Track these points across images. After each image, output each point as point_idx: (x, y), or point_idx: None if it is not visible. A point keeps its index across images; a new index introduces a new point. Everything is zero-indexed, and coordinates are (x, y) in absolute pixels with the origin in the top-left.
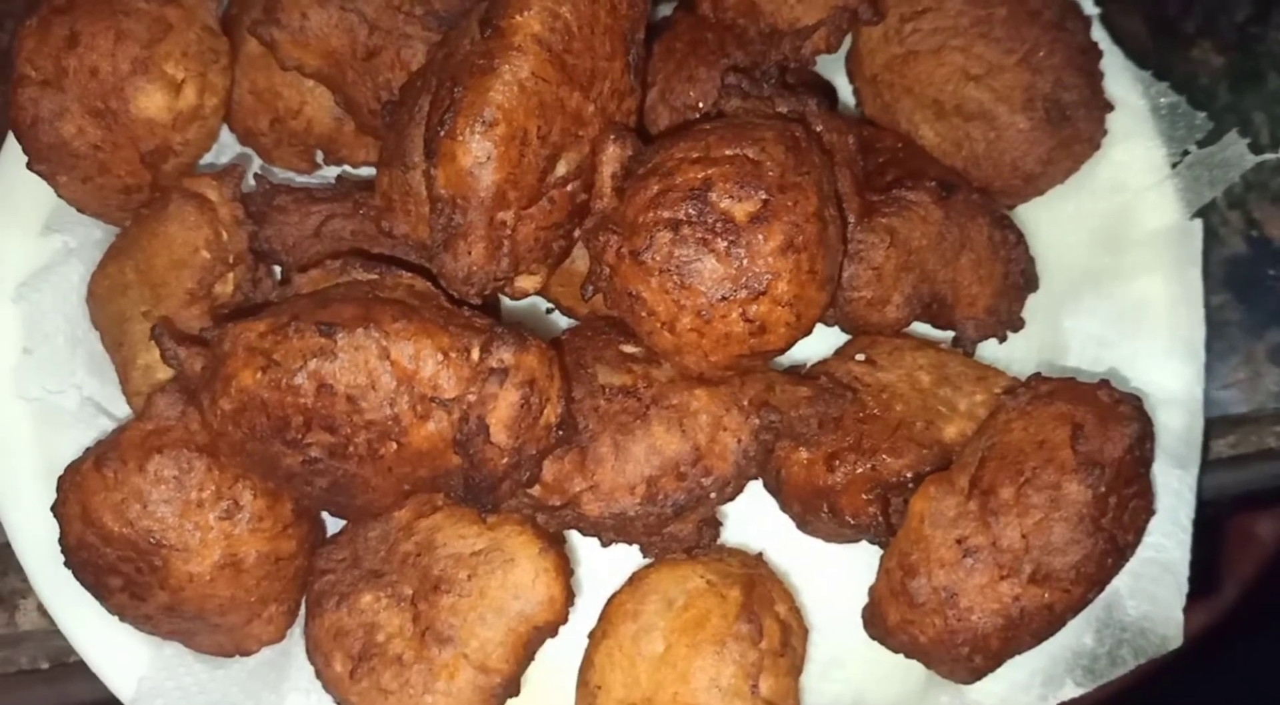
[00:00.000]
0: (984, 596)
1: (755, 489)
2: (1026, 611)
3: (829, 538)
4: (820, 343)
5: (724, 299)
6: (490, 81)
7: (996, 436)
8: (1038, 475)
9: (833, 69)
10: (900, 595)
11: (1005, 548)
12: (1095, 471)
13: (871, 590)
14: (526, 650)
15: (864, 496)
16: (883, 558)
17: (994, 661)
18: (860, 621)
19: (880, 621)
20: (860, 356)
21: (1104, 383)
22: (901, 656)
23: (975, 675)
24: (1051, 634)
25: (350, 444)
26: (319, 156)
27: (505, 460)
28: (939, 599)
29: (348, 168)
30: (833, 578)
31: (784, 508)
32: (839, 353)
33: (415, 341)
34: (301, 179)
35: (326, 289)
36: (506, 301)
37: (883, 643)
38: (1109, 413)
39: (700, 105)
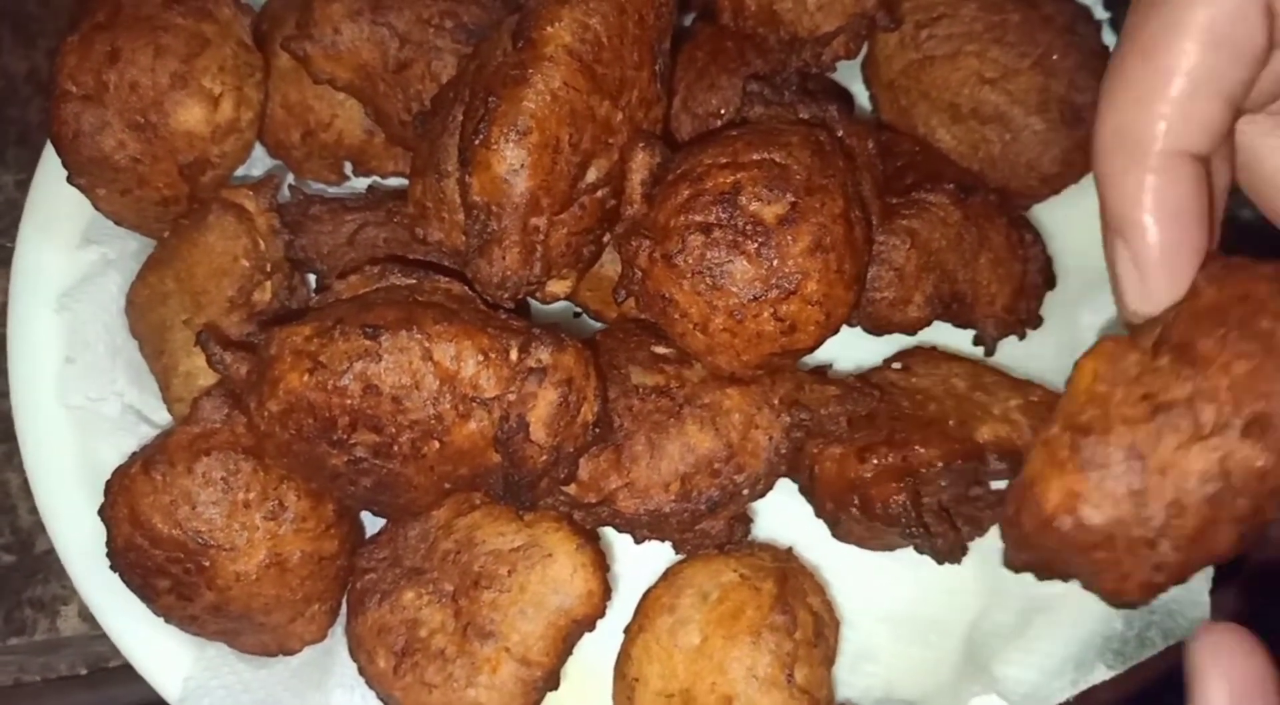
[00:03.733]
0: (1182, 458)
1: (785, 486)
2: (1234, 480)
3: (863, 541)
4: (843, 342)
5: (755, 299)
6: (523, 91)
7: (1183, 304)
8: (1247, 324)
9: (850, 76)
10: (1068, 463)
11: (1209, 401)
12: None
13: (1018, 481)
14: (566, 643)
15: (894, 485)
16: (1038, 439)
17: (1181, 559)
18: (890, 616)
19: (1033, 510)
20: (897, 365)
21: None
22: (933, 651)
23: (1148, 590)
24: (1247, 539)
25: (395, 443)
26: (348, 168)
27: (544, 458)
28: (1123, 461)
29: (377, 179)
30: (862, 573)
31: (818, 511)
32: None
33: (456, 343)
34: (332, 190)
35: (367, 293)
36: (536, 306)
37: (1021, 553)
38: None
39: (722, 112)
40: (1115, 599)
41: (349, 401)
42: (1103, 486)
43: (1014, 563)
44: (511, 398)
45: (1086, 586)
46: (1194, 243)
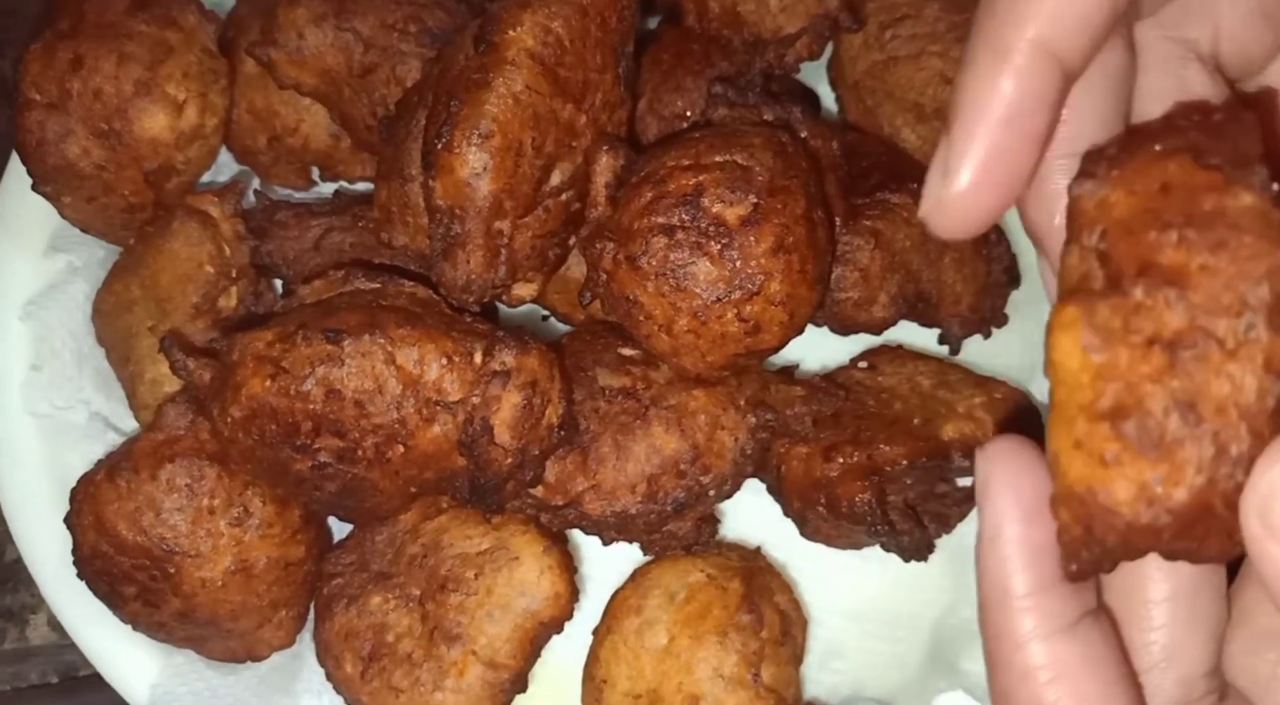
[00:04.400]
0: (1228, 383)
1: (753, 486)
2: None
3: (830, 539)
4: (810, 342)
5: (719, 300)
6: (485, 95)
7: (1100, 223)
8: (1191, 213)
9: (816, 77)
10: (1123, 454)
11: (1216, 311)
12: (1251, 170)
13: (1067, 500)
14: (533, 646)
15: (859, 483)
16: (1056, 445)
17: None
18: (857, 613)
19: (1105, 519)
20: (863, 364)
21: (1179, 108)
22: (900, 647)
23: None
24: None
25: (359, 448)
26: (315, 173)
27: (509, 460)
28: (1179, 421)
29: (344, 183)
30: (830, 570)
31: (786, 510)
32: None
33: (420, 346)
34: (299, 195)
35: (331, 298)
36: (505, 309)
37: (1085, 564)
38: (1212, 122)
39: (688, 114)
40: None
41: (312, 406)
42: (1177, 459)
43: (1080, 574)
44: (475, 401)
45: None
46: (1025, 154)
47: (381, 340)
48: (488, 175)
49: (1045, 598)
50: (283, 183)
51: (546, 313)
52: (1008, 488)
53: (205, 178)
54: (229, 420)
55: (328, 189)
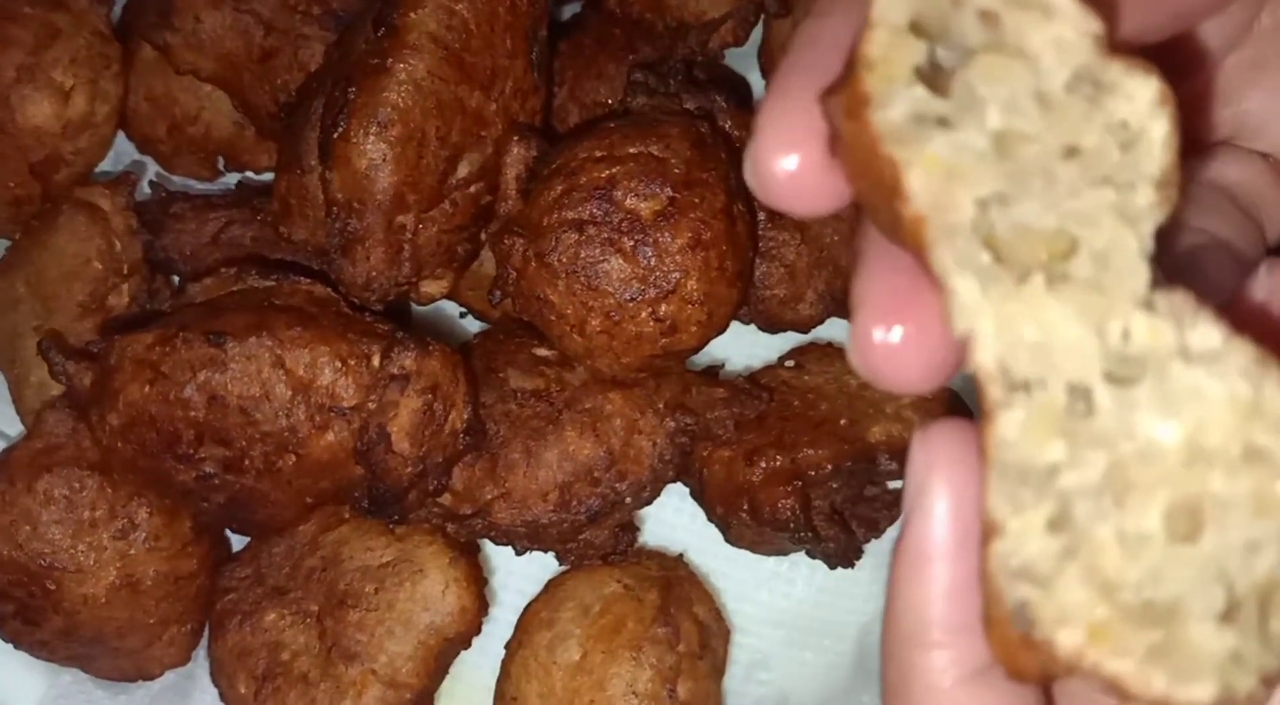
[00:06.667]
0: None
1: (677, 490)
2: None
3: (755, 546)
4: (738, 341)
5: (632, 299)
6: (384, 81)
7: None
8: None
9: (747, 64)
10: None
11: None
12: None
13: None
14: (438, 663)
15: (782, 488)
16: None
17: None
18: (784, 622)
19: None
20: (790, 363)
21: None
22: (827, 656)
23: None
24: None
25: (245, 457)
26: (221, 163)
27: (409, 469)
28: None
29: (250, 174)
30: (758, 577)
31: (710, 515)
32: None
33: (311, 349)
34: (202, 186)
35: (220, 297)
36: (423, 307)
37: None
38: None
39: (610, 103)
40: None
41: (193, 414)
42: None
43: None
44: (372, 406)
45: None
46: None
47: (269, 342)
48: (388, 167)
49: (966, 638)
50: (187, 173)
51: (464, 311)
52: (947, 494)
53: (104, 168)
54: (108, 428)
55: (234, 180)
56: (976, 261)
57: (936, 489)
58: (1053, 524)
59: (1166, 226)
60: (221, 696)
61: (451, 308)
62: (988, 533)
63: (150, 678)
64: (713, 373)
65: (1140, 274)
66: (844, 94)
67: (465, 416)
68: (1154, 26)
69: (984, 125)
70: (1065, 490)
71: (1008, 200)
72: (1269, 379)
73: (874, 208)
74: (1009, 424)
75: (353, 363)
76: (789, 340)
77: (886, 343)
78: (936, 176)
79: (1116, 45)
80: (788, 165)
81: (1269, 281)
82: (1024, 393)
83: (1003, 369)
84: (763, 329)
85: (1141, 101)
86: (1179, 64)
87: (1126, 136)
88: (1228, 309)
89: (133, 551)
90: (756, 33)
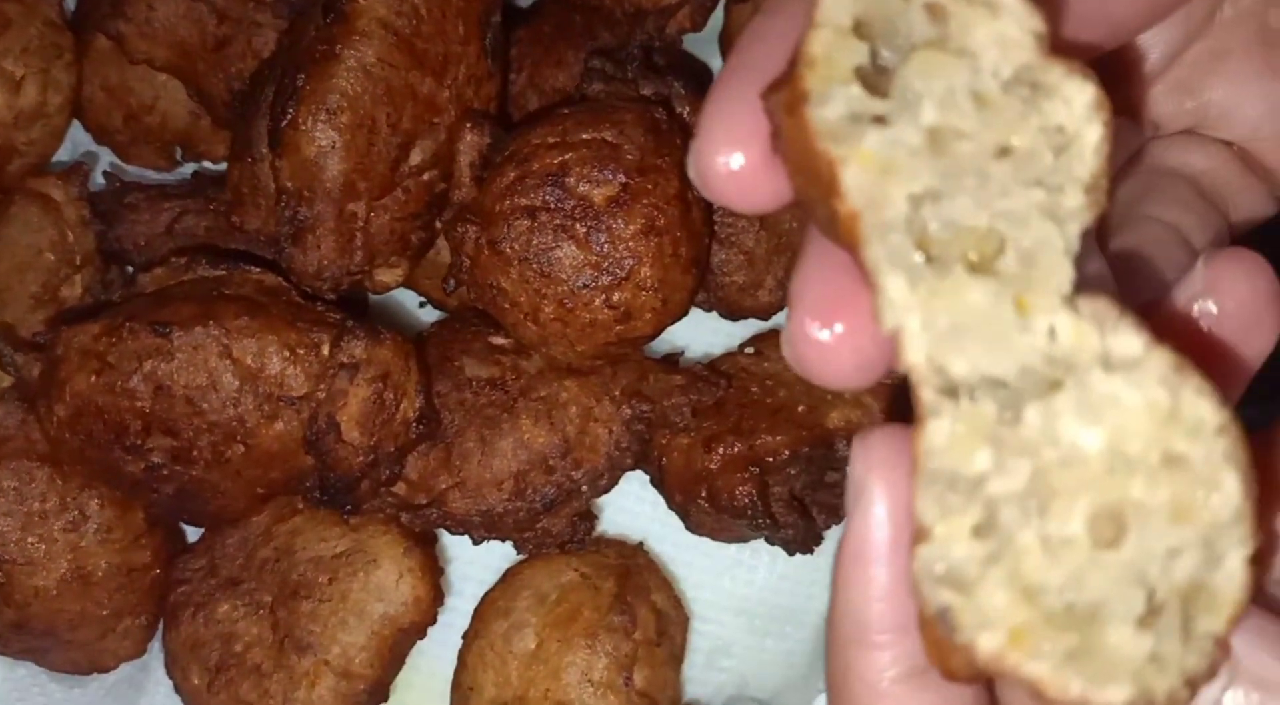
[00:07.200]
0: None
1: (638, 478)
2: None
3: (715, 533)
4: (699, 328)
5: (585, 286)
6: (333, 68)
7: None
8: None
9: (709, 50)
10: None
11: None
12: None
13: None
14: (392, 653)
15: (740, 475)
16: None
17: None
18: (745, 609)
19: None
20: (749, 349)
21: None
22: (787, 643)
23: None
24: None
25: (194, 448)
26: (178, 153)
27: (360, 459)
28: None
29: (207, 163)
30: (717, 566)
31: (669, 503)
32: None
33: (259, 338)
34: (158, 176)
35: (169, 287)
36: (379, 295)
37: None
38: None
39: (570, 89)
40: None
41: (140, 404)
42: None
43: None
44: (321, 396)
45: None
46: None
47: (216, 332)
48: (337, 154)
49: (904, 638)
50: (144, 163)
51: (423, 300)
52: (885, 496)
53: (60, 158)
54: (55, 419)
55: (191, 170)
56: (907, 259)
57: (874, 491)
58: (979, 529)
59: (1092, 229)
60: (176, 688)
61: (411, 297)
62: (917, 537)
63: (105, 670)
64: (672, 360)
65: (1065, 272)
66: (785, 91)
67: (417, 405)
68: (1094, 40)
69: (919, 121)
70: (992, 497)
71: (940, 197)
72: (1186, 387)
73: (812, 205)
74: (937, 432)
75: (301, 352)
76: (750, 327)
77: (819, 339)
78: (871, 173)
79: (1058, 46)
80: (730, 162)
81: (1203, 274)
82: (953, 401)
83: (934, 368)
84: (723, 316)
85: (1078, 106)
86: (1117, 70)
87: (1061, 140)
88: (1158, 306)
89: (84, 543)
90: (719, 18)
